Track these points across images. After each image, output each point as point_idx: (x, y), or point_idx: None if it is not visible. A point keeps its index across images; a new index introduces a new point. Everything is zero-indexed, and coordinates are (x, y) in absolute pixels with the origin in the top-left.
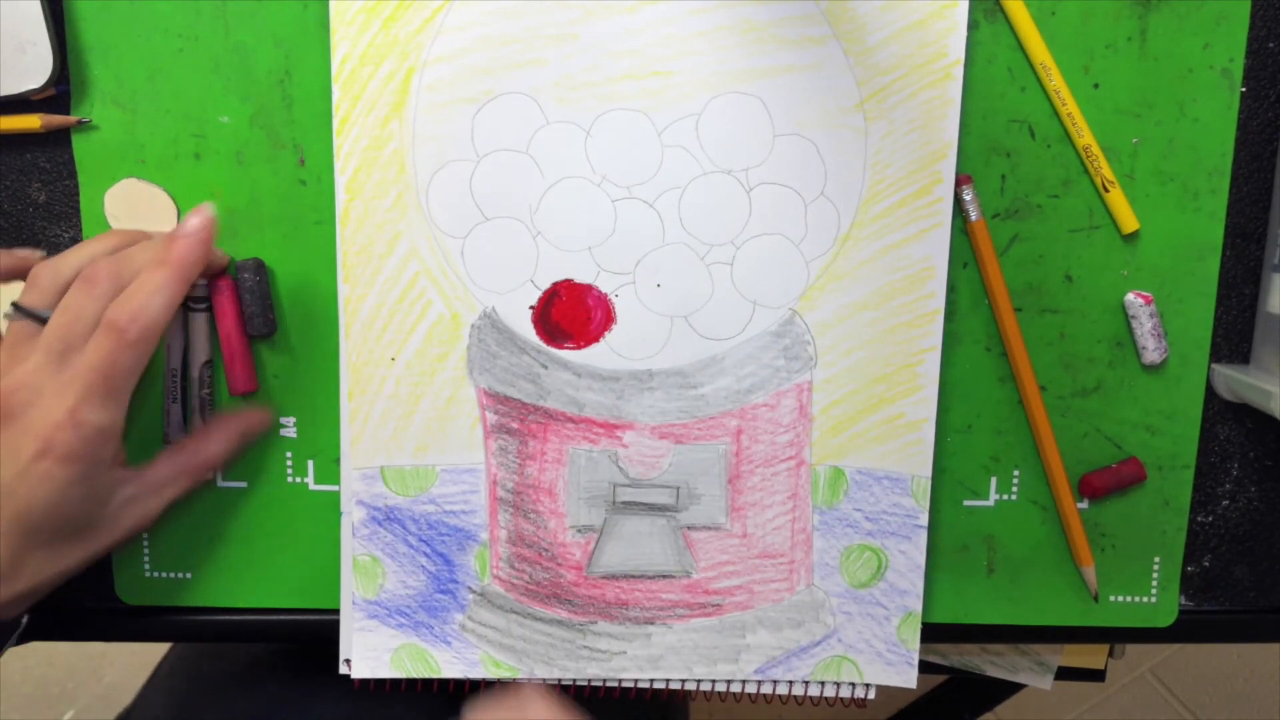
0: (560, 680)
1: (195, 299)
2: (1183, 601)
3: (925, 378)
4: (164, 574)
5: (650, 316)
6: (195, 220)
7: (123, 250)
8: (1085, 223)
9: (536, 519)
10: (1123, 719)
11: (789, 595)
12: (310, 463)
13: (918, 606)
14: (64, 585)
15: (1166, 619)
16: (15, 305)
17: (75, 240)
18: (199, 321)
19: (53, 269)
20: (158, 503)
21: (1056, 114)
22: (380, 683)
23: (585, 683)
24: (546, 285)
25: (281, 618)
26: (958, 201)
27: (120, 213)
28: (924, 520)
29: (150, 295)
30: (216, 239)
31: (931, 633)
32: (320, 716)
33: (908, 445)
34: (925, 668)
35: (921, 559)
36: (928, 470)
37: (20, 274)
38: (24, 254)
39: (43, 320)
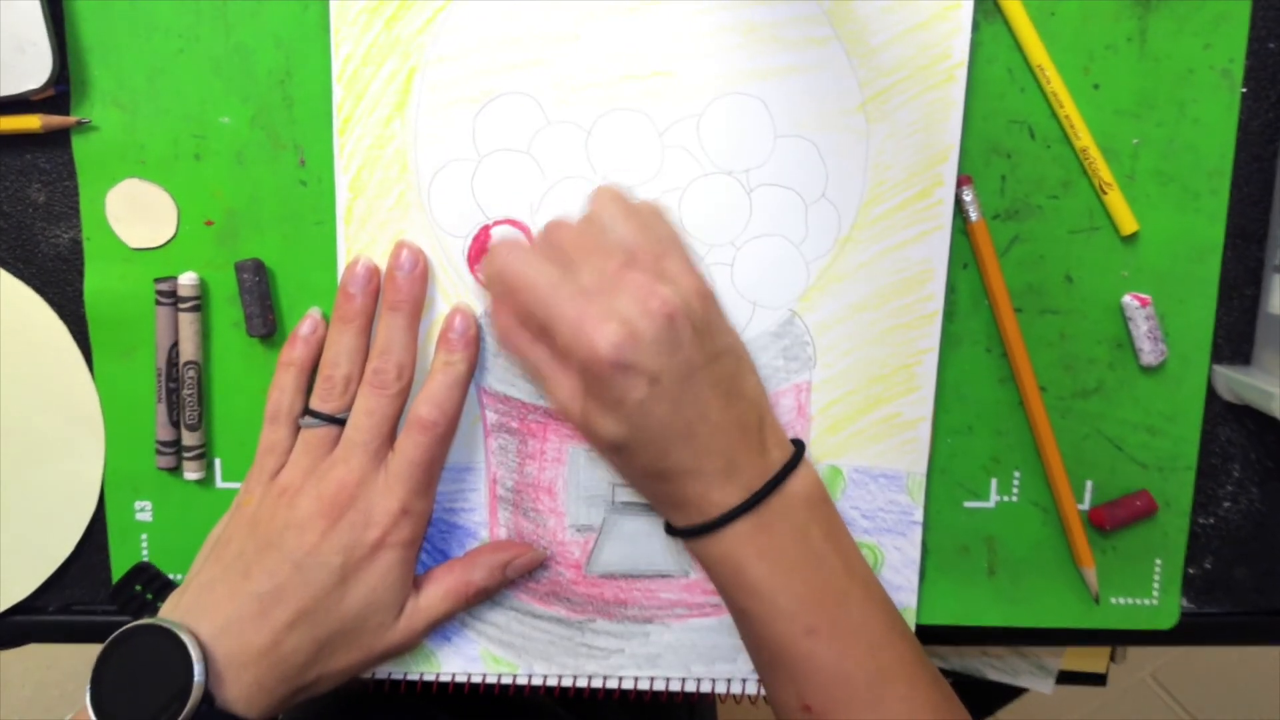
0: (560, 677)
1: (184, 299)
2: (1184, 604)
3: (923, 378)
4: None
5: None
6: (460, 320)
7: (387, 343)
8: (1085, 223)
9: (536, 517)
10: None
11: None
12: None
13: (912, 602)
14: (64, 586)
15: (1168, 621)
16: (311, 412)
17: (74, 241)
18: (185, 321)
19: (331, 374)
20: (421, 620)
21: (1055, 116)
22: (379, 681)
23: (585, 680)
24: None
25: None
26: (958, 202)
27: (122, 213)
28: (918, 516)
29: (449, 390)
30: (227, 240)
31: (931, 635)
32: (322, 711)
33: (904, 444)
34: None
35: (916, 554)
36: (922, 467)
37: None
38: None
39: (339, 423)
